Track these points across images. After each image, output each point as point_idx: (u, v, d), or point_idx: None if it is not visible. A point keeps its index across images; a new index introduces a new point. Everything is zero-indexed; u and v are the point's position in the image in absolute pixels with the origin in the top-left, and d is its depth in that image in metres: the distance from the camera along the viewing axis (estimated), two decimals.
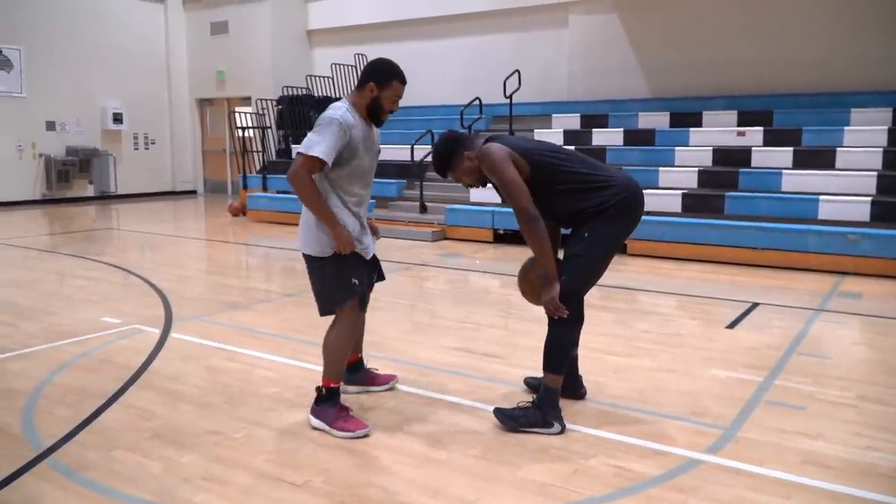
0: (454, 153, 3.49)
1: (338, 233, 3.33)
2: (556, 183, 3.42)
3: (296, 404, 3.78)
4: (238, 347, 4.86)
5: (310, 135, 3.31)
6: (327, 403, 3.44)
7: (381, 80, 3.37)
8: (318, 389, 3.48)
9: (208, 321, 5.61)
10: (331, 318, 3.52)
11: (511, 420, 3.46)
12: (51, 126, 15.13)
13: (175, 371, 4.37)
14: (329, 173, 3.36)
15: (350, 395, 3.84)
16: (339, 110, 3.33)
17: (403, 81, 3.44)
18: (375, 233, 3.71)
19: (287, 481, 2.97)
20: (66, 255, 8.97)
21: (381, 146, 3.67)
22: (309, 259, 3.48)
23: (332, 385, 3.47)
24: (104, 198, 15.96)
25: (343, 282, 3.40)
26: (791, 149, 9.12)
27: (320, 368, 3.54)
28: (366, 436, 3.35)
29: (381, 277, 3.84)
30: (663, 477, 3.00)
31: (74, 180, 15.39)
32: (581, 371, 3.91)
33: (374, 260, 3.71)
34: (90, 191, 15.83)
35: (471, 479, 3.00)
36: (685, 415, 3.67)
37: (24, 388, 4.05)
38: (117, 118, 15.99)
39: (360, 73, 3.43)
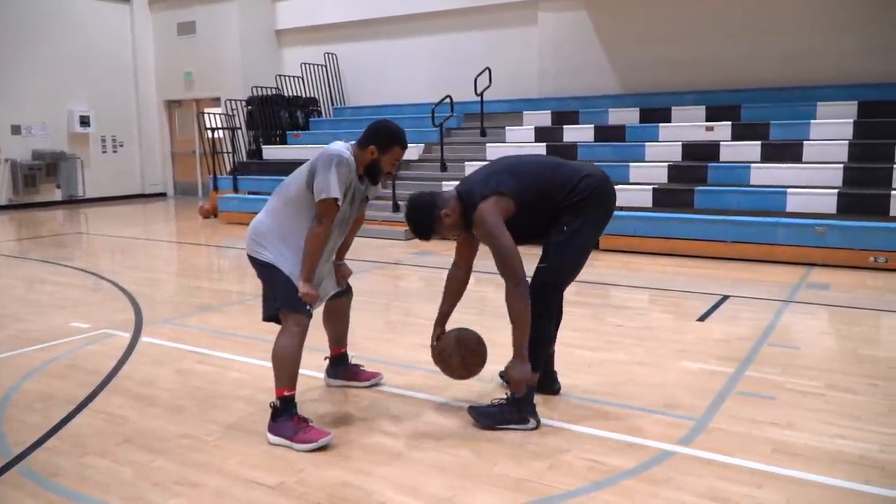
0: (432, 218, 3.41)
1: (306, 286, 3.31)
2: (537, 209, 3.47)
3: (268, 406, 3.74)
4: (209, 350, 4.81)
5: (318, 176, 3.26)
6: (284, 416, 3.31)
7: (383, 145, 3.38)
8: (272, 404, 3.35)
9: (179, 324, 5.55)
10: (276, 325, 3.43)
11: (487, 418, 3.46)
12: (16, 130, 14.85)
13: (146, 375, 4.32)
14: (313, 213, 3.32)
15: (325, 392, 3.82)
16: (346, 152, 3.33)
17: (404, 146, 3.45)
18: (345, 277, 3.73)
19: (261, 483, 2.95)
20: (35, 260, 8.82)
21: (370, 193, 3.65)
22: (261, 263, 3.41)
23: (285, 393, 3.33)
24: (72, 202, 15.71)
25: (296, 297, 3.32)
26: (759, 143, 9.25)
27: None
28: (328, 444, 3.25)
29: (348, 287, 3.84)
30: (636, 469, 3.03)
31: (41, 185, 15.13)
32: (555, 367, 3.93)
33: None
34: (58, 195, 15.55)
35: (446, 476, 3.00)
36: (657, 407, 3.71)
37: None
38: (84, 121, 15.74)
39: (364, 133, 3.43)
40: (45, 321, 5.65)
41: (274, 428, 3.32)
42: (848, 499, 2.81)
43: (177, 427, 3.53)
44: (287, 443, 3.26)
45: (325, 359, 4.03)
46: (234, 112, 14.19)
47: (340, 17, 14.77)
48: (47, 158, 15.14)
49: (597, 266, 7.70)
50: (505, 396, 3.55)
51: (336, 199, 3.24)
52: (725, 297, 6.22)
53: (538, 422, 3.45)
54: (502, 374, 4.02)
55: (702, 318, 5.55)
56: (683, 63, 11.24)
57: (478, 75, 11.75)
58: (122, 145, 16.82)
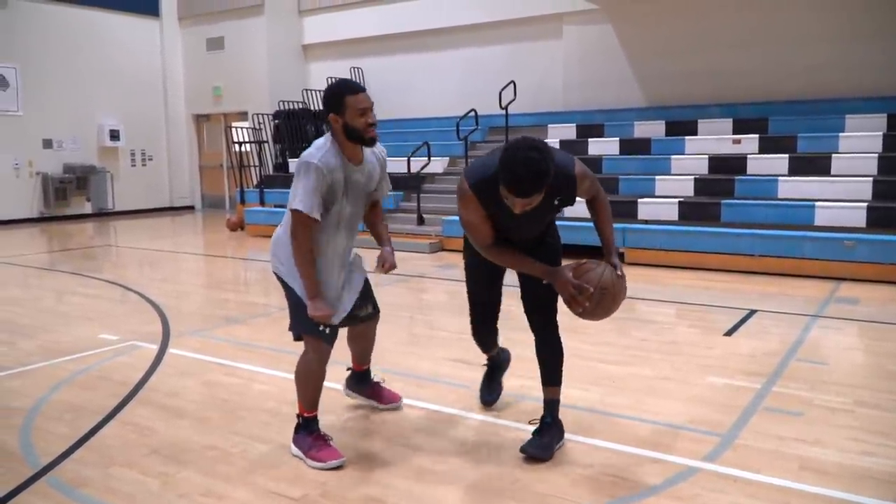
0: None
1: (315, 306, 3.16)
2: None
3: (293, 418, 3.76)
4: (235, 362, 4.86)
5: (292, 186, 3.13)
6: (304, 432, 3.32)
7: (335, 106, 3.12)
8: (298, 416, 3.37)
9: (206, 336, 5.61)
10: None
11: (546, 450, 3.29)
12: (48, 144, 15.17)
13: (173, 387, 4.36)
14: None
15: (351, 403, 3.84)
16: (320, 151, 3.11)
17: (355, 91, 3.15)
18: (386, 268, 3.44)
19: (285, 495, 2.97)
20: (65, 272, 8.97)
21: (381, 188, 3.44)
22: (279, 279, 3.34)
23: (305, 414, 3.33)
24: (102, 215, 15.98)
25: (309, 320, 3.22)
26: (786, 156, 9.16)
27: None
28: (339, 466, 3.18)
29: (376, 310, 3.65)
30: (662, 486, 3.00)
31: (72, 198, 15.42)
32: (578, 379, 3.91)
33: (366, 290, 3.57)
34: (88, 208, 15.84)
35: (469, 490, 3.00)
36: (683, 423, 3.67)
37: (21, 406, 4.05)
38: (114, 135, 16.03)
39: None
40: (75, 332, 5.74)
41: (295, 439, 3.36)
42: None
43: (203, 438, 3.56)
44: (302, 456, 3.28)
45: (347, 370, 4.00)
46: (261, 126, 14.37)
47: (366, 31, 14.93)
48: (78, 172, 15.44)
49: None
50: (539, 418, 3.42)
51: (300, 211, 3.06)
52: (753, 312, 6.15)
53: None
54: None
55: (728, 333, 5.49)
56: (710, 75, 11.18)
57: (502, 89, 11.79)
58: (150, 159, 17.10)
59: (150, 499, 2.96)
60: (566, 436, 3.45)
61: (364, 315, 3.57)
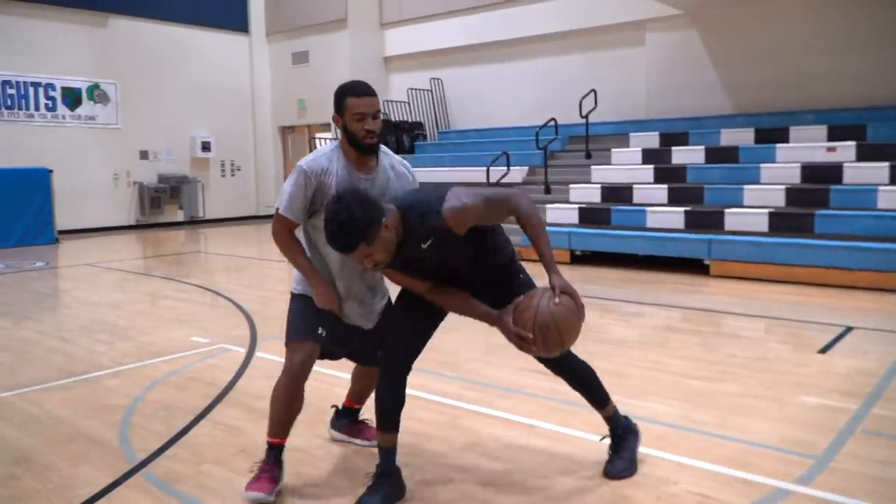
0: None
1: (318, 292, 3.06)
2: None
3: (373, 422, 3.82)
4: (318, 367, 4.92)
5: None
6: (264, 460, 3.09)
7: (338, 106, 2.96)
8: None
9: None
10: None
11: (631, 465, 3.20)
12: (144, 155, 15.94)
13: (259, 389, 4.49)
14: (306, 224, 3.10)
15: (429, 412, 3.86)
16: (314, 154, 3.04)
17: (359, 94, 2.94)
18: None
19: None
20: (158, 277, 9.38)
21: (391, 187, 3.09)
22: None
23: (268, 440, 3.10)
24: (193, 222, 16.66)
25: (303, 324, 3.11)
26: (887, 164, 8.70)
27: None
28: (259, 502, 2.95)
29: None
30: None
31: (165, 206, 16.14)
32: (662, 394, 3.81)
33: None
34: (180, 216, 16.55)
35: (550, 503, 2.96)
36: (773, 442, 3.53)
37: (119, 404, 4.25)
38: (206, 146, 16.71)
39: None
40: (168, 335, 5.99)
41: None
42: None
43: (288, 440, 3.64)
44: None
45: (332, 407, 3.75)
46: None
47: (446, 42, 15.07)
48: (171, 182, 16.16)
49: (707, 292, 7.44)
50: (609, 433, 3.31)
51: (279, 211, 2.99)
52: (849, 329, 5.86)
53: None
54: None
55: (823, 350, 5.25)
56: (801, 80, 10.76)
57: (583, 97, 11.68)
58: (239, 169, 17.72)
59: (238, 496, 3.05)
60: (649, 450, 3.37)
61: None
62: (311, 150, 15.02)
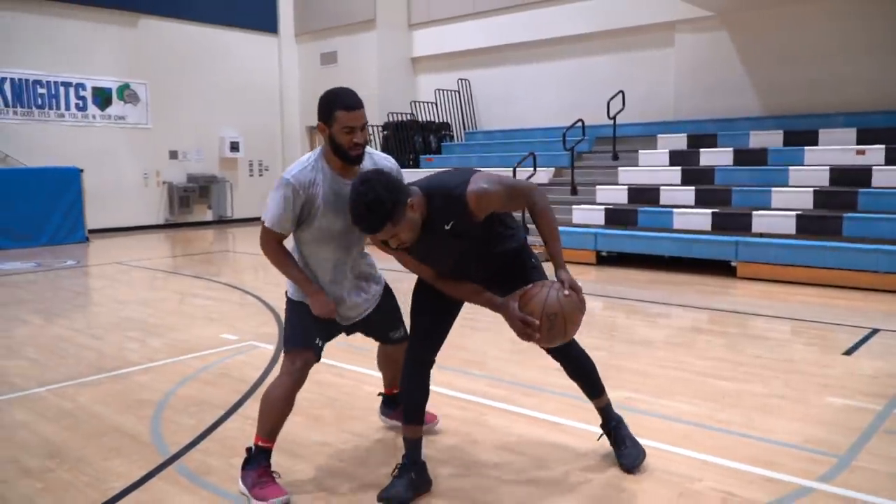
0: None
1: (312, 300, 3.08)
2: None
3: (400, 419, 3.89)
4: (346, 364, 5.03)
5: None
6: (251, 466, 3.05)
7: (326, 116, 2.93)
8: (248, 449, 3.11)
9: None
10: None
11: (638, 448, 3.29)
12: (173, 155, 16.17)
13: None
14: (295, 233, 3.09)
15: (454, 407, 3.91)
16: (298, 166, 3.00)
17: (349, 107, 2.91)
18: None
19: None
20: (188, 275, 9.54)
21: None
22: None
23: (260, 443, 3.08)
24: (221, 222, 16.87)
25: (302, 335, 3.11)
26: None
27: None
28: None
29: (407, 335, 3.31)
30: None
31: (194, 205, 16.37)
32: (688, 393, 3.83)
33: (396, 313, 3.43)
34: (209, 215, 16.77)
35: (575, 499, 3.00)
36: (797, 442, 3.54)
37: (151, 399, 4.36)
38: (234, 146, 16.91)
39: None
40: (198, 332, 6.11)
41: (243, 475, 3.08)
42: None
43: (316, 435, 3.73)
44: (247, 493, 3.02)
45: (378, 395, 3.87)
46: (371, 137, 14.79)
47: (474, 43, 15.10)
48: (200, 181, 16.39)
49: (734, 294, 7.40)
50: (610, 423, 3.39)
51: (264, 224, 3.01)
52: (875, 331, 5.82)
53: None
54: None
55: (848, 352, 5.22)
56: (831, 82, 10.65)
57: (611, 98, 11.66)
58: (267, 169, 17.92)
59: None
60: (673, 448, 3.40)
61: (397, 337, 3.44)
62: None
